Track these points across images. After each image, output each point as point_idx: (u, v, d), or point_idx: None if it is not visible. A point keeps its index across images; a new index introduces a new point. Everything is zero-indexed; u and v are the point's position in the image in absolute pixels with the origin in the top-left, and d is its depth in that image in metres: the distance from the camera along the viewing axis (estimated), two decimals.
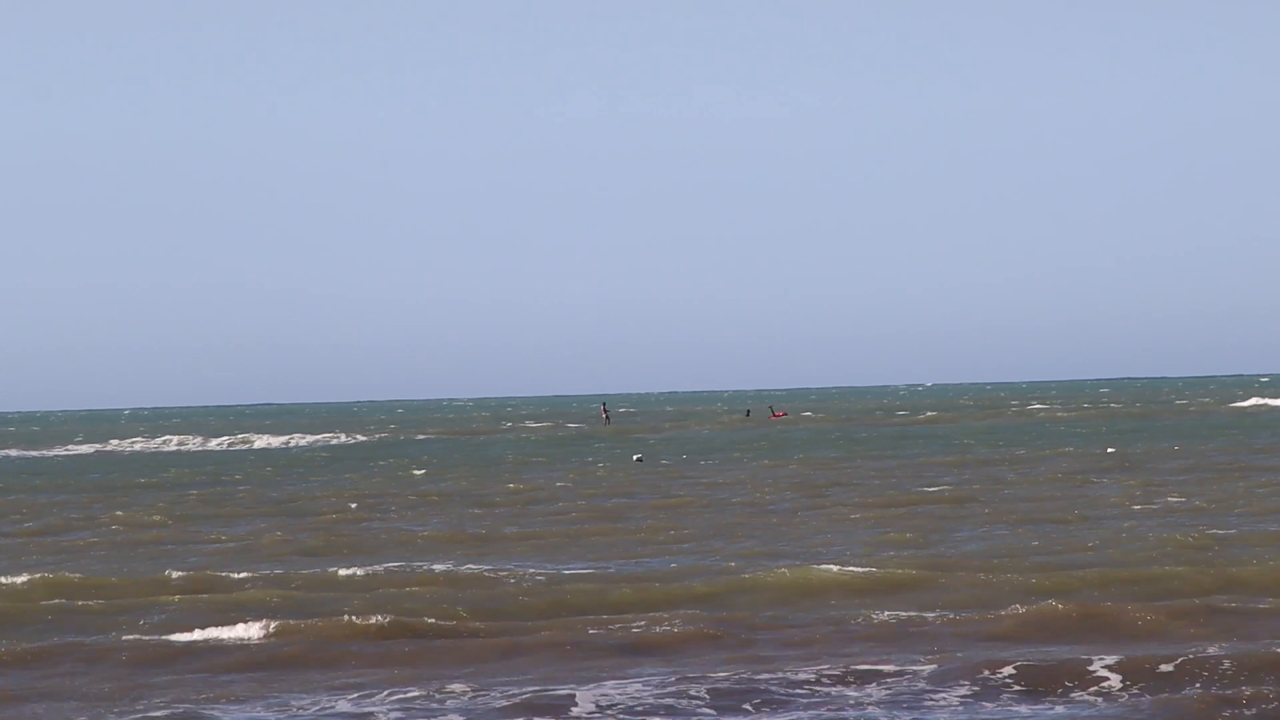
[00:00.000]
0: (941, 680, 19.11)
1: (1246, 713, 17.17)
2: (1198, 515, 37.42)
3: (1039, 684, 18.85)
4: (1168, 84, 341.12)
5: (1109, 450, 65.90)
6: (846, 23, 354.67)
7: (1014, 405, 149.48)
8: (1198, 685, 18.50)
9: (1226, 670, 19.07)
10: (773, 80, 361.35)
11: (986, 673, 19.24)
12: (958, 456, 65.28)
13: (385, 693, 19.19)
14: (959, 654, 20.64)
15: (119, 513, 46.60)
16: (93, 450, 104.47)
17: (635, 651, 21.53)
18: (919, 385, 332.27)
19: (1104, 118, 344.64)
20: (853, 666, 19.81)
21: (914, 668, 19.68)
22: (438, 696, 18.92)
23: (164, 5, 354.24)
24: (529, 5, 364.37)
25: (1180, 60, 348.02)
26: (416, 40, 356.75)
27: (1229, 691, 18.02)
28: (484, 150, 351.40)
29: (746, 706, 18.17)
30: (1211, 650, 20.04)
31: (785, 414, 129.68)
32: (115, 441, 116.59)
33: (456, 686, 19.37)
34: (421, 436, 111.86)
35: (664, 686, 18.94)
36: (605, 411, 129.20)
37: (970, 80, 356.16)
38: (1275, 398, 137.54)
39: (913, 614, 23.74)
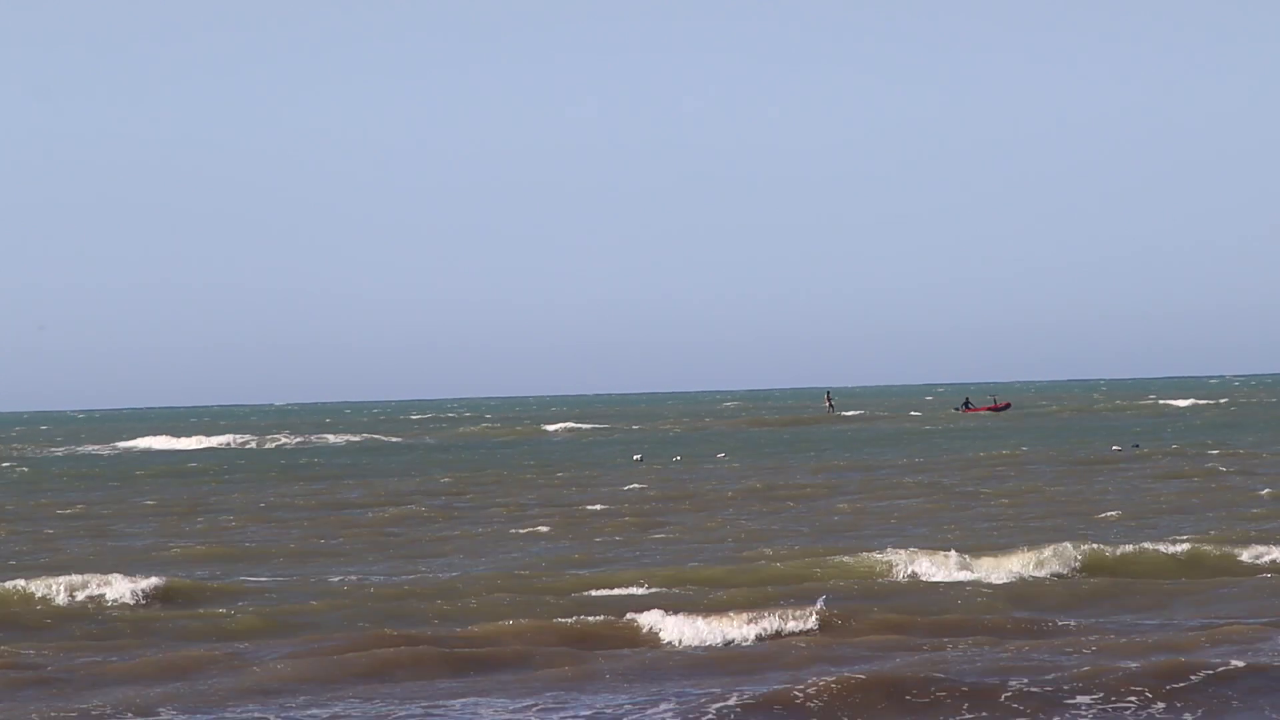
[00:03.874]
0: None
1: None
2: None
3: None
4: (1165, 81, 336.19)
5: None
6: (847, 23, 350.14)
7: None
8: None
9: None
10: (774, 81, 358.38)
11: None
12: None
13: None
14: None
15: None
16: (179, 444, 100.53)
17: None
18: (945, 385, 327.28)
19: (1101, 116, 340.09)
20: None
21: None
22: None
23: (165, 5, 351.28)
24: (530, 7, 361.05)
25: (1178, 58, 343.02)
26: (416, 42, 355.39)
27: None
28: (486, 151, 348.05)
29: None
30: None
31: (985, 408, 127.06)
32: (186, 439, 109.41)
33: None
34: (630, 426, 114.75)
35: None
36: (830, 401, 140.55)
37: (971, 80, 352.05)
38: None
39: None
